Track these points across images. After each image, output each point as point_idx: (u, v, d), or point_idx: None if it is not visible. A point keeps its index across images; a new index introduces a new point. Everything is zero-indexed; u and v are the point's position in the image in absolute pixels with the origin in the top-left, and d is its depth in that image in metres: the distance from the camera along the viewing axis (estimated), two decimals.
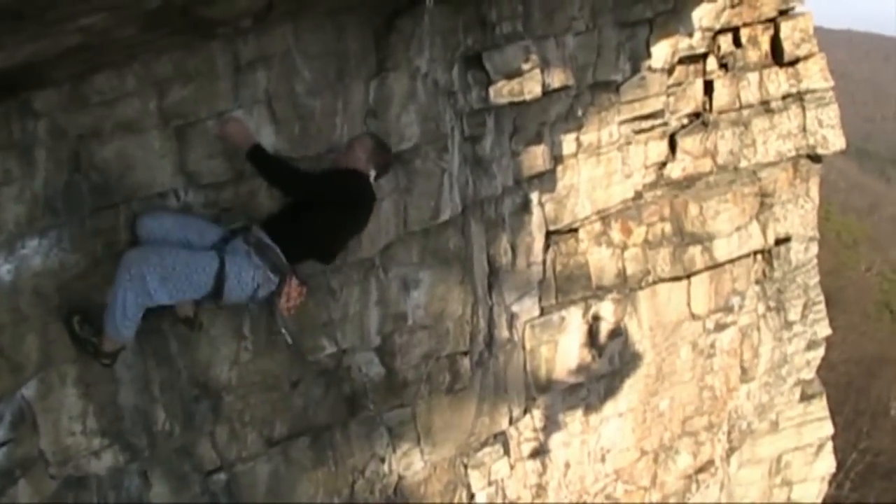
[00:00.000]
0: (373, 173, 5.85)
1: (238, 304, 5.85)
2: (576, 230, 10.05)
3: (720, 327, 11.67)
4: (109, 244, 5.42)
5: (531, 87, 8.07)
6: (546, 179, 9.36)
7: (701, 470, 12.25)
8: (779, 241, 11.85)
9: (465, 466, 9.16)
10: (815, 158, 12.00)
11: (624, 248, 10.45)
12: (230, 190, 5.83)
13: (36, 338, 5.20)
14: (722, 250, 11.03)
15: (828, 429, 13.93)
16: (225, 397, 6.56)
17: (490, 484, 9.51)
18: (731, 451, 12.61)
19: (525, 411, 9.78)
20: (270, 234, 5.48)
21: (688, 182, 11.22)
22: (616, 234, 10.38)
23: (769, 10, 11.34)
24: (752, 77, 11.51)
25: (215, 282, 5.25)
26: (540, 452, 10.15)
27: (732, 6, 10.98)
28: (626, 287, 10.54)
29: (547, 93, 8.45)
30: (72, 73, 4.76)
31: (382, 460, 8.09)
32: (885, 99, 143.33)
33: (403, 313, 7.51)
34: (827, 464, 14.23)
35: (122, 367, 5.73)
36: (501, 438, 9.49)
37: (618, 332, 10.55)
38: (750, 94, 11.52)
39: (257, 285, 5.40)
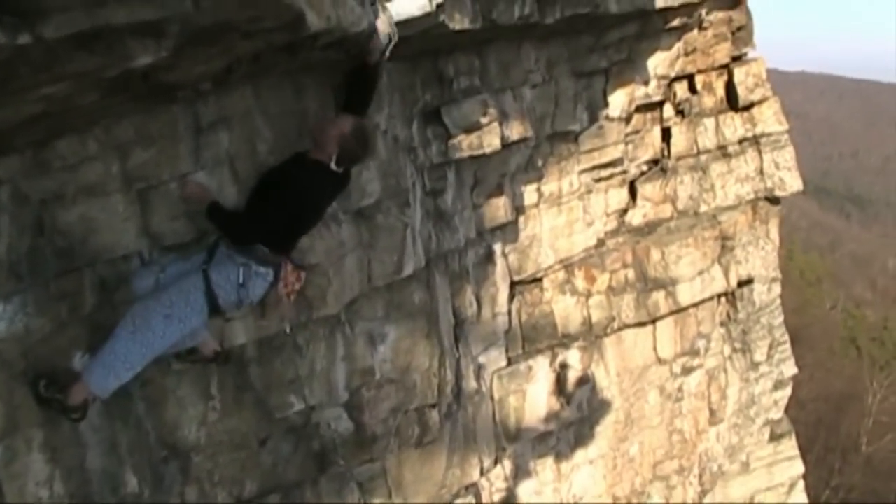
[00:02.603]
0: (333, 158, 5.56)
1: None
2: (540, 279, 10.13)
3: (687, 371, 11.74)
4: (74, 307, 5.40)
5: (490, 139, 8.16)
6: (508, 230, 9.45)
7: None
8: (741, 283, 11.99)
9: None
10: (773, 200, 12.20)
11: (588, 295, 10.53)
12: (193, 250, 5.84)
13: (1, 404, 5.16)
14: (685, 294, 11.14)
15: (798, 467, 13.99)
16: (194, 457, 6.50)
17: None
18: (703, 493, 12.63)
19: (496, 461, 9.76)
20: None
21: (649, 228, 11.36)
22: (580, 282, 10.46)
23: (722, 57, 11.57)
24: (709, 123, 11.73)
25: (207, 296, 5.32)
26: (512, 502, 10.11)
27: (686, 54, 11.19)
28: (591, 334, 10.61)
29: (506, 145, 8.56)
30: (34, 140, 4.77)
31: None
32: (841, 137, 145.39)
33: (370, 368, 7.50)
34: (799, 502, 14.25)
35: (89, 430, 5.68)
36: (473, 490, 9.44)
37: (585, 380, 10.60)
38: (707, 140, 11.72)
39: (242, 281, 5.42)
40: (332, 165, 5.56)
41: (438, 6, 5.76)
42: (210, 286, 5.34)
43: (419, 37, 5.95)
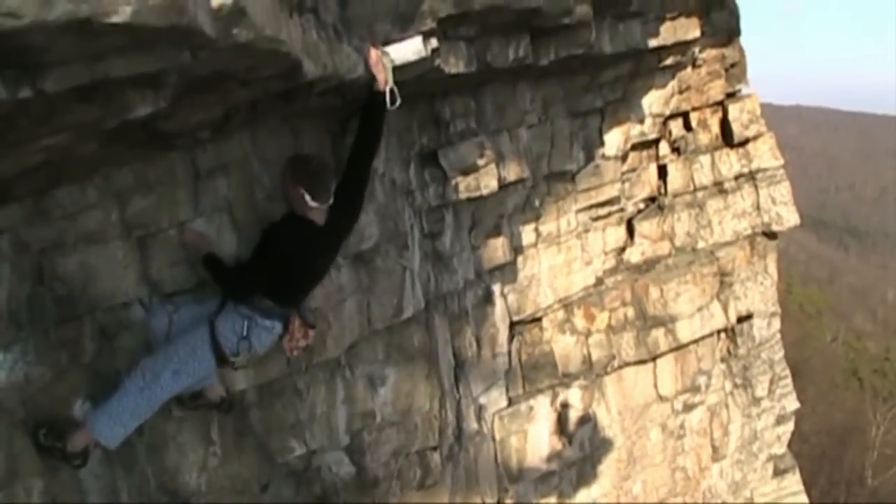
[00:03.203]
0: (309, 201, 5.41)
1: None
2: (539, 319, 10.14)
3: (688, 407, 11.73)
4: (74, 355, 5.41)
5: (487, 181, 8.20)
6: (507, 271, 9.48)
7: None
8: (741, 319, 12.00)
9: None
10: (770, 235, 12.24)
11: (588, 334, 10.54)
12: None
13: (0, 452, 5.16)
14: (685, 331, 11.14)
15: (803, 502, 13.92)
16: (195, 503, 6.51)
17: None
18: None
19: (498, 502, 9.72)
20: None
21: (647, 266, 11.38)
22: (579, 321, 10.47)
23: (716, 94, 11.64)
24: (705, 159, 11.79)
25: (212, 347, 5.39)
26: None
27: (681, 92, 11.26)
28: (592, 373, 10.60)
29: (503, 186, 8.59)
30: (33, 188, 4.80)
31: None
32: (837, 170, 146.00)
33: (371, 411, 7.50)
34: None
35: (90, 478, 5.68)
36: None
37: (587, 419, 10.58)
38: (703, 177, 11.77)
39: (245, 333, 5.44)
40: (311, 214, 5.47)
41: (434, 51, 5.81)
42: (215, 336, 5.38)
43: (415, 81, 5.99)
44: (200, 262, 5.45)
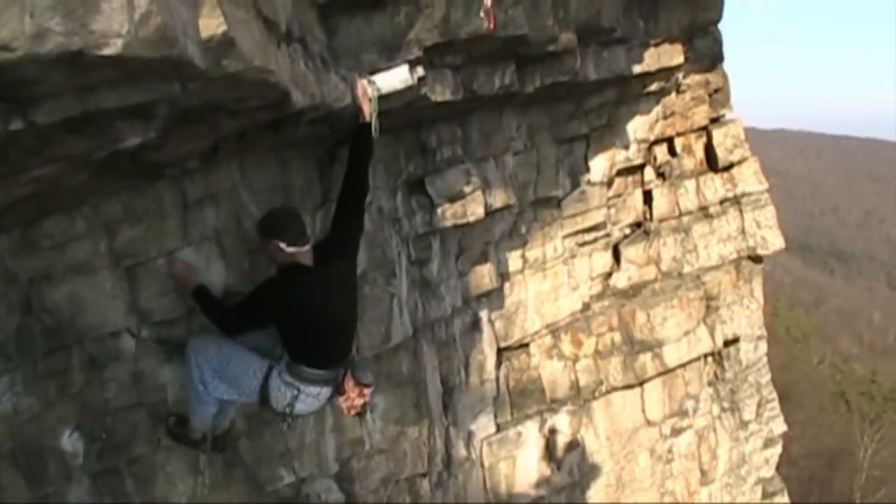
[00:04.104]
0: (284, 247, 5.25)
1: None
2: (527, 345, 10.16)
3: (676, 432, 11.74)
4: (63, 386, 5.41)
5: (474, 208, 8.23)
6: (494, 297, 9.50)
7: None
8: (728, 343, 12.04)
9: None
10: (756, 259, 12.31)
11: (575, 359, 10.56)
12: (182, 326, 5.85)
13: None
14: (672, 356, 11.17)
15: None
16: None
17: None
18: None
19: None
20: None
21: (634, 290, 11.42)
22: (567, 347, 10.49)
23: (700, 119, 11.73)
24: (690, 184, 11.85)
25: (260, 389, 5.43)
26: None
27: (665, 117, 11.34)
28: (580, 398, 10.61)
29: (490, 213, 8.63)
30: (22, 219, 4.81)
31: None
32: (821, 194, 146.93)
33: (360, 439, 7.49)
34: None
35: None
36: None
37: (575, 444, 10.58)
38: (688, 201, 11.83)
39: (290, 402, 5.45)
40: (298, 259, 5.31)
41: (420, 79, 5.85)
42: (266, 383, 5.43)
43: (402, 109, 6.03)
44: (190, 294, 5.45)
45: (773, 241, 12.24)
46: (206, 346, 5.46)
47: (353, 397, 5.66)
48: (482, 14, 5.74)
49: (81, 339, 5.43)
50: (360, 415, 6.12)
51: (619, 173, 11.18)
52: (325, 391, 5.55)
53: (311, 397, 5.49)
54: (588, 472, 10.83)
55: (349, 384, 5.62)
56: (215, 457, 6.30)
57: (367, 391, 5.72)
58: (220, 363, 5.41)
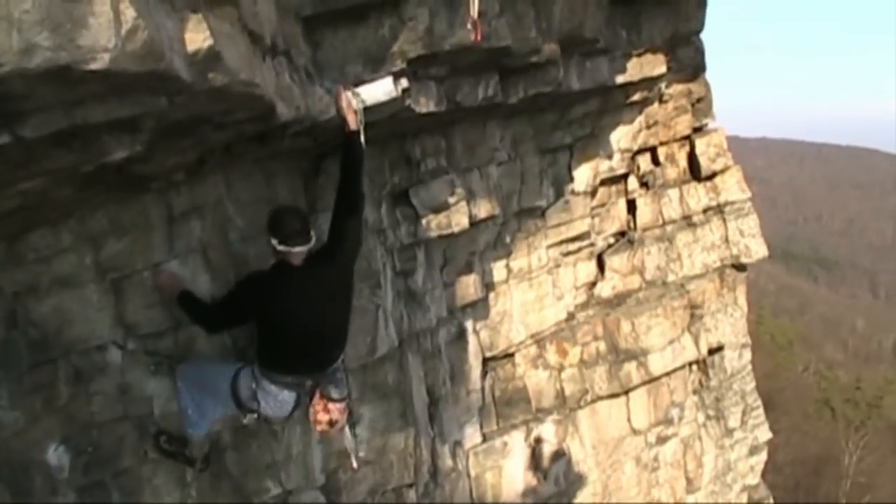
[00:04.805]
0: (276, 245, 5.21)
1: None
2: (512, 355, 10.18)
3: (662, 440, 11.77)
4: (48, 399, 5.39)
5: (458, 219, 8.26)
6: (479, 307, 9.52)
7: None
8: (712, 351, 12.08)
9: None
10: (739, 267, 12.37)
11: (561, 369, 10.58)
12: (169, 339, 5.83)
13: None
14: (657, 364, 11.20)
15: None
16: None
17: None
18: None
19: None
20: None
21: (618, 300, 11.45)
22: (552, 356, 10.51)
23: (683, 129, 11.78)
24: (673, 193, 11.90)
25: (231, 391, 5.44)
26: None
27: (648, 127, 11.39)
28: (565, 407, 10.63)
29: (474, 223, 8.65)
30: (7, 232, 4.81)
31: None
32: (804, 201, 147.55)
33: (346, 450, 7.49)
34: None
35: None
36: None
37: (561, 453, 10.59)
38: (672, 210, 11.87)
39: (252, 394, 5.42)
40: (290, 259, 5.27)
41: (404, 91, 5.87)
42: (236, 383, 5.46)
43: (386, 121, 6.05)
44: (175, 301, 5.44)
45: (757, 249, 12.30)
46: (188, 370, 5.61)
47: (317, 410, 5.47)
48: (469, 26, 5.76)
49: (67, 353, 5.41)
50: (326, 432, 5.77)
51: (603, 183, 11.22)
52: (287, 397, 5.46)
53: (271, 397, 5.42)
54: (574, 481, 10.84)
55: (315, 397, 5.48)
56: (203, 470, 6.30)
57: (333, 407, 5.48)
58: (201, 380, 5.54)
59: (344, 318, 5.76)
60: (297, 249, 5.26)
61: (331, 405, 5.46)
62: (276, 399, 5.46)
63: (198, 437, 5.79)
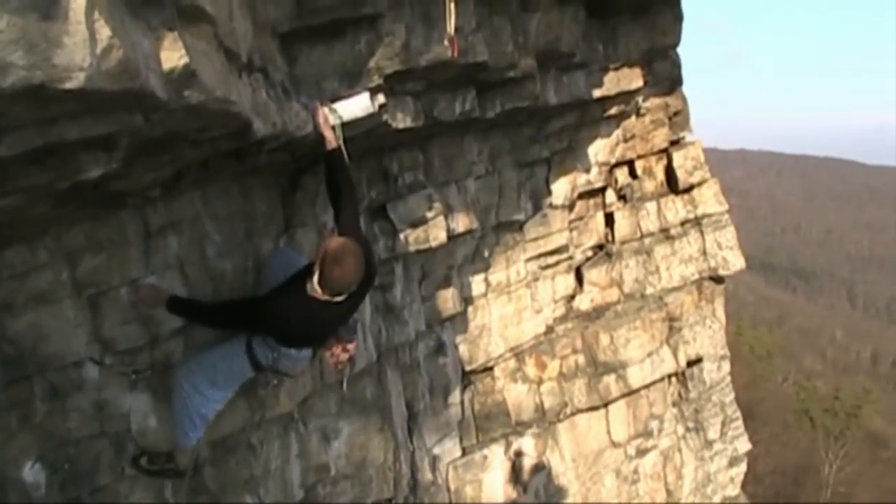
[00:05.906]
0: (316, 280, 4.99)
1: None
2: (491, 368, 10.19)
3: (642, 452, 11.79)
4: (25, 416, 5.35)
5: (436, 233, 8.28)
6: (458, 321, 9.53)
7: None
8: (691, 363, 12.13)
9: None
10: (717, 280, 12.43)
11: (540, 382, 10.60)
12: (146, 354, 5.82)
13: None
14: (636, 377, 11.23)
15: None
16: None
17: None
18: None
19: None
20: None
21: (597, 313, 11.49)
22: (531, 370, 10.53)
23: (661, 142, 11.84)
24: (651, 206, 11.96)
25: (249, 357, 5.50)
26: None
27: (625, 140, 11.45)
28: (545, 421, 10.65)
29: (452, 237, 8.67)
30: None
31: None
32: (782, 212, 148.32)
33: (325, 464, 7.47)
34: None
35: None
36: None
37: (541, 466, 10.60)
38: (650, 223, 11.93)
39: (273, 358, 5.51)
40: (317, 291, 5.03)
41: (381, 106, 5.88)
42: (251, 348, 5.49)
43: (363, 136, 6.06)
44: (165, 309, 5.43)
45: (734, 261, 12.37)
46: (189, 369, 5.59)
47: (337, 353, 5.80)
48: (446, 42, 5.78)
49: (43, 369, 5.38)
50: (342, 363, 6.09)
51: (581, 196, 11.27)
52: (306, 353, 5.64)
53: (291, 359, 5.58)
54: (554, 494, 10.84)
55: (332, 341, 5.76)
56: (181, 484, 6.27)
57: (350, 346, 5.83)
58: (208, 371, 5.53)
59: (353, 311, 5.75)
60: (326, 300, 5.08)
61: (349, 345, 5.84)
62: (296, 358, 5.63)
63: (192, 444, 5.77)
